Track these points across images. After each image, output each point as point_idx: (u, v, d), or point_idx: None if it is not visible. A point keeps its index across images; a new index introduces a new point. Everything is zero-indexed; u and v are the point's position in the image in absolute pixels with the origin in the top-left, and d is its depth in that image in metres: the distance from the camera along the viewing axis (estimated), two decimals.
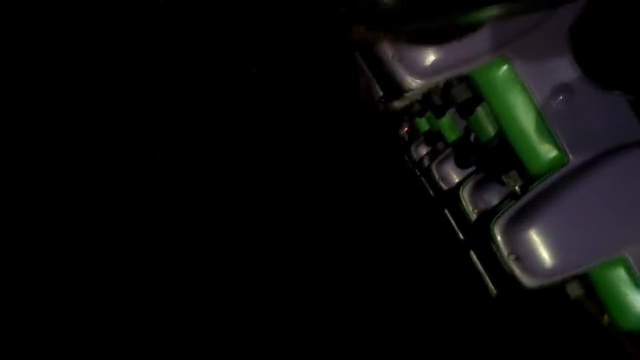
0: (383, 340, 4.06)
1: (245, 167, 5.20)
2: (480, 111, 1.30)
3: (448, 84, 1.08)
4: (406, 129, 3.05)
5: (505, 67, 1.03)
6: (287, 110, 5.15)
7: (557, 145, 1.03)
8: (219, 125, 5.15)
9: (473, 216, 1.46)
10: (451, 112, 1.67)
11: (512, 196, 1.04)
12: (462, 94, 1.07)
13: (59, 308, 4.74)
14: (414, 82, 1.01)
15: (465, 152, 1.69)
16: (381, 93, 1.11)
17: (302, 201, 5.14)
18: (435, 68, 1.00)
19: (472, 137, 1.67)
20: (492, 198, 1.39)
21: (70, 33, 4.56)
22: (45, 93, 4.63)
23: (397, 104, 2.23)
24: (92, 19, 4.59)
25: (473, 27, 0.84)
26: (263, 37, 4.79)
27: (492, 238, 1.01)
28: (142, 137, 4.99)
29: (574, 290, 1.03)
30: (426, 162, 2.55)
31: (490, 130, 1.32)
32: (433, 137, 2.38)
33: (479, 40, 0.99)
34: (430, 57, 1.00)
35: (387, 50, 1.00)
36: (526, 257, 0.99)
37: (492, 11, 0.51)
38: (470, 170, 1.73)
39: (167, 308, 4.90)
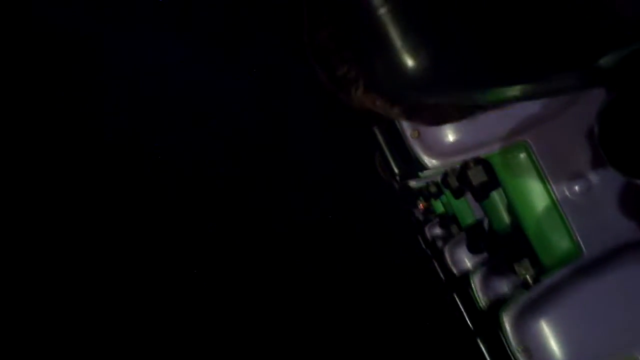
0: None
1: (246, 168, 5.19)
2: (496, 197, 1.29)
3: (465, 166, 1.07)
4: (421, 206, 3.05)
5: (523, 153, 1.02)
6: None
7: (571, 238, 1.01)
8: (220, 126, 5.17)
9: (482, 303, 1.42)
10: (469, 197, 1.66)
11: (524, 286, 1.01)
12: (478, 177, 1.05)
13: (59, 308, 4.69)
14: (431, 162, 1.00)
15: (478, 237, 1.66)
16: (397, 170, 1.10)
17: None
18: (453, 149, 1.00)
19: (486, 224, 1.65)
20: (504, 286, 1.35)
21: (70, 32, 4.61)
22: (45, 93, 4.66)
23: (414, 184, 2.23)
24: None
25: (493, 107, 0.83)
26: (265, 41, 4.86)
27: (501, 328, 0.98)
28: (142, 137, 4.99)
29: None
30: (439, 244, 2.52)
31: (505, 217, 1.30)
32: (448, 220, 2.36)
33: (499, 124, 0.99)
34: (449, 137, 0.99)
35: (406, 128, 1.00)
36: (535, 350, 0.95)
37: (515, 91, 0.50)
38: (483, 256, 1.70)
39: (167, 308, 4.86)
